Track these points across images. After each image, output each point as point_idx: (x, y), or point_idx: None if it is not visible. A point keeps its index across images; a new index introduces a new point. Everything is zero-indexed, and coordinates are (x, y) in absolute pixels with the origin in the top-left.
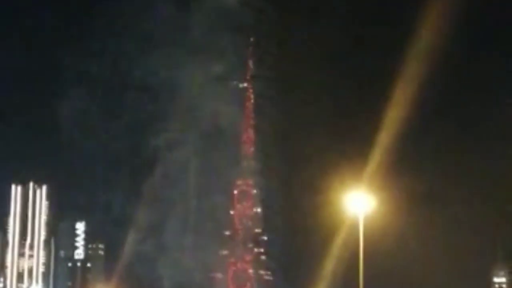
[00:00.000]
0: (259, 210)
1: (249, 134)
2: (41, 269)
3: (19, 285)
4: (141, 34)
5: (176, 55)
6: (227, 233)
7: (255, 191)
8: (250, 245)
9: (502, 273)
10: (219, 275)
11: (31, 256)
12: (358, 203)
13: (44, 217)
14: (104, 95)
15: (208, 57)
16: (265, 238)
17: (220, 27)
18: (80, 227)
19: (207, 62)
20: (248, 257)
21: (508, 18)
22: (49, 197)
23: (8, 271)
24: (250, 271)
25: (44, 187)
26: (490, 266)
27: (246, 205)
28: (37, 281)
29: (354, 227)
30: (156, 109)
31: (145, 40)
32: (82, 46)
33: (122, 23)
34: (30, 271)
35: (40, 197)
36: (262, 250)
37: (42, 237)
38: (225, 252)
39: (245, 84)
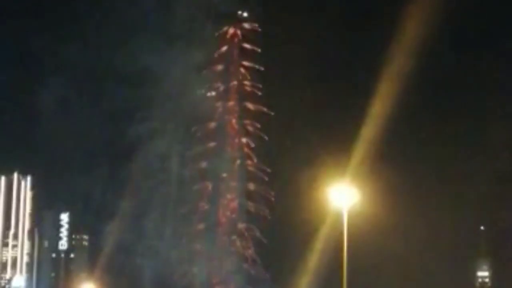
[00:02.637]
0: (243, 202)
1: (233, 125)
2: (25, 259)
3: (3, 275)
4: (121, 21)
5: (158, 43)
6: (211, 225)
7: (239, 183)
8: (234, 237)
9: (485, 267)
10: (201, 267)
11: (14, 246)
12: (342, 196)
13: (28, 208)
14: (88, 85)
15: (191, 45)
16: (249, 231)
17: (204, 15)
18: (64, 218)
19: (190, 50)
20: (231, 250)
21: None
22: (34, 187)
23: None
24: (233, 263)
25: (29, 178)
26: (474, 260)
27: (230, 197)
28: (21, 272)
29: (338, 221)
30: (140, 98)
31: (126, 27)
32: (60, 33)
33: (102, 9)
34: (14, 262)
35: (25, 187)
36: (245, 243)
37: (26, 228)
38: (208, 244)
39: (229, 75)
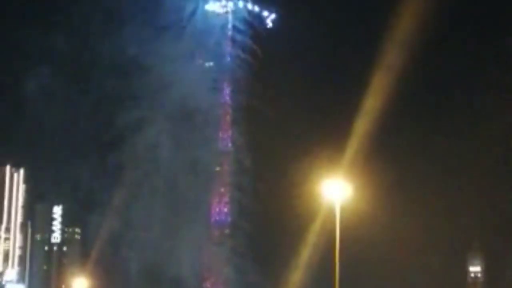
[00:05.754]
0: (234, 195)
1: (225, 117)
2: (18, 252)
3: None
4: (110, 10)
5: (146, 32)
6: (203, 218)
7: (231, 176)
8: (227, 231)
9: (477, 261)
10: (193, 260)
11: (7, 239)
12: (335, 191)
13: (21, 201)
14: (79, 77)
15: (179, 34)
16: (241, 224)
17: (191, 4)
18: (57, 210)
19: (178, 39)
20: (224, 243)
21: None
22: (26, 180)
23: None
24: (224, 256)
25: (22, 171)
26: (466, 254)
27: (223, 190)
28: (13, 265)
29: (331, 215)
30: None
31: (114, 16)
32: (48, 23)
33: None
34: (6, 255)
35: (17, 180)
36: (238, 236)
37: (19, 221)
38: (200, 237)
39: (220, 65)
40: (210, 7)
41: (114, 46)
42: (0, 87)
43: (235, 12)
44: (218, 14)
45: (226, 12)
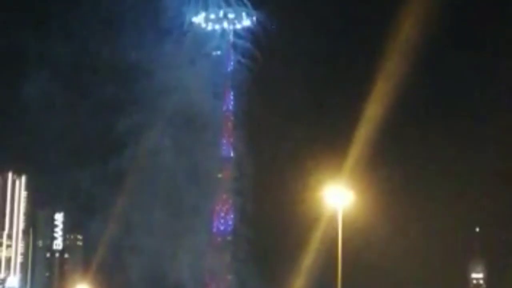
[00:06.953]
0: (236, 201)
1: (227, 123)
2: (19, 259)
3: None
4: (109, 15)
5: (147, 38)
6: (205, 224)
7: (233, 182)
8: (229, 238)
9: (480, 268)
10: (195, 267)
11: (9, 246)
12: (337, 197)
13: (22, 207)
14: (83, 85)
15: (180, 38)
16: (243, 231)
17: (191, 8)
18: (59, 217)
19: (179, 45)
20: (226, 250)
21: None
22: (28, 187)
23: None
24: (227, 263)
25: (23, 177)
26: (468, 261)
27: (225, 197)
28: (15, 272)
29: (333, 221)
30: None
31: (114, 20)
32: (49, 29)
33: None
34: (8, 261)
35: (19, 187)
36: (239, 243)
37: (21, 227)
38: (202, 243)
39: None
40: (197, 20)
41: (115, 52)
42: (1, 94)
43: (236, 19)
44: (204, 29)
45: (213, 29)
